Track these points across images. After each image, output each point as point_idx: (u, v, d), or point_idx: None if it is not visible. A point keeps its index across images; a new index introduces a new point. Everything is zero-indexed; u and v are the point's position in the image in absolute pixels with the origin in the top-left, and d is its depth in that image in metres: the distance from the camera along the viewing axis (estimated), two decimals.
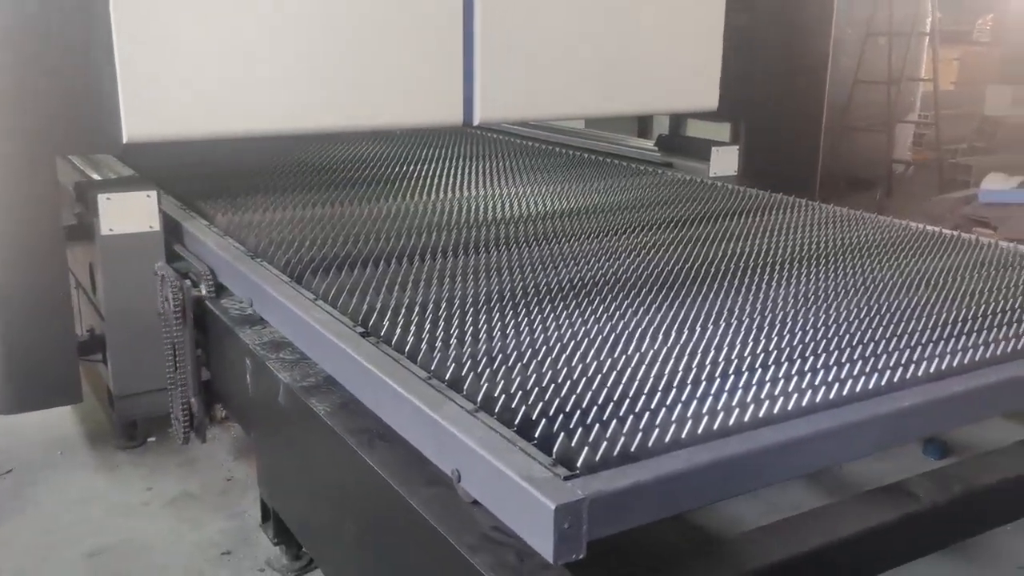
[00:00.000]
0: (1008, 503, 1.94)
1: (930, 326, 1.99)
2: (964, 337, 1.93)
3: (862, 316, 2.06)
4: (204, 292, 2.73)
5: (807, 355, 1.82)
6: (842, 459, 1.61)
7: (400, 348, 1.87)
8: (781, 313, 2.08)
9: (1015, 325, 2.01)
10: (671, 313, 2.06)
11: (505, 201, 3.33)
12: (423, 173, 3.89)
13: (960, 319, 2.04)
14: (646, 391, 1.64)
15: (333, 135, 4.49)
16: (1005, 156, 8.92)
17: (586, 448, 1.40)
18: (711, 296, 2.20)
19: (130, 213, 3.07)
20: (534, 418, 1.52)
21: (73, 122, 2.92)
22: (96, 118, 2.94)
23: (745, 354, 1.82)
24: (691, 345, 1.87)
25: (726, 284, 2.31)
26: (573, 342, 1.88)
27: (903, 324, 2.00)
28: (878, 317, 2.05)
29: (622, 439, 1.43)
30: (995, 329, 1.98)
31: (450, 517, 1.49)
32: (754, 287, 2.29)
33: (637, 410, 1.57)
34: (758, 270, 2.46)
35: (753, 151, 4.04)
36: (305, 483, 2.21)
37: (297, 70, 3.13)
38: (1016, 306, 2.15)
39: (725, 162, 4.01)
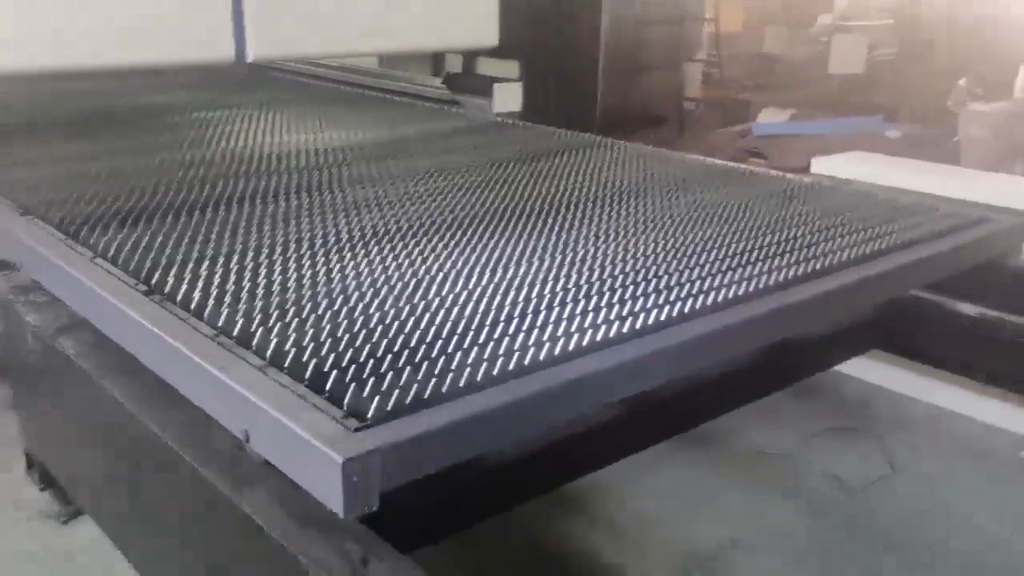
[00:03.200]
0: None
1: (719, 258, 2.04)
2: (749, 267, 1.99)
3: (656, 251, 2.08)
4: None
5: (602, 292, 1.82)
6: (634, 389, 1.62)
7: (186, 305, 1.74)
8: (580, 252, 2.07)
9: (795, 253, 2.09)
10: (468, 256, 2.01)
11: (299, 146, 3.18)
12: (210, 121, 3.66)
13: (746, 250, 2.10)
14: (443, 336, 1.59)
15: (110, 79, 4.20)
16: (783, 93, 9.40)
17: (377, 398, 1.34)
18: (508, 238, 2.17)
19: None
20: (326, 370, 1.45)
21: None
22: None
23: (543, 293, 1.81)
24: (489, 288, 1.83)
25: (519, 226, 2.29)
26: (371, 290, 1.80)
27: (693, 258, 2.04)
28: (672, 251, 2.08)
29: (415, 386, 1.38)
30: (775, 258, 2.05)
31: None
32: (547, 228, 2.27)
33: (433, 355, 1.52)
34: (552, 211, 2.44)
35: (535, 89, 4.05)
36: (60, 427, 2.09)
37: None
38: (792, 236, 2.22)
39: (508, 99, 3.99)
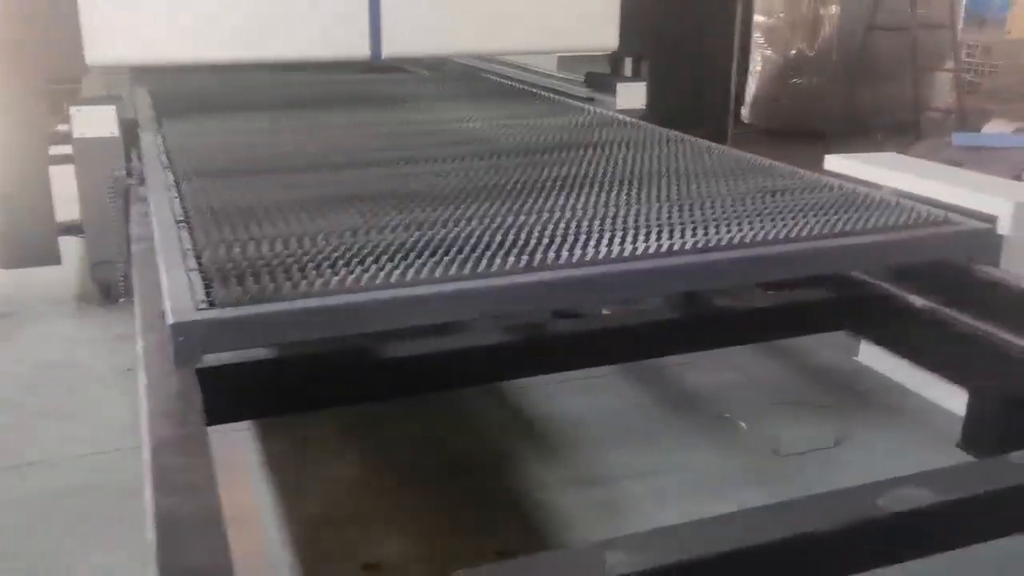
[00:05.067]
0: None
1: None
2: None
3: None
4: (134, 181, 3.26)
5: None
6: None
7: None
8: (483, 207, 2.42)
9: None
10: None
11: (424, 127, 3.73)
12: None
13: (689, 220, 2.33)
14: (309, 263, 2.03)
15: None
16: None
17: (230, 292, 1.82)
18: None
19: (95, 122, 3.63)
20: (227, 271, 1.95)
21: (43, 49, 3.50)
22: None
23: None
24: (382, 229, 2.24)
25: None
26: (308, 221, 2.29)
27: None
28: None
29: (269, 290, 1.85)
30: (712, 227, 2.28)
31: None
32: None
33: (299, 271, 1.96)
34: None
35: (661, 89, 4.27)
36: None
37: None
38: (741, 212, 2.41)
39: (632, 97, 4.25)
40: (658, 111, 4.31)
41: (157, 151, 3.28)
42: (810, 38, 8.25)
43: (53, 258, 3.80)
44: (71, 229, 3.83)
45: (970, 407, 2.51)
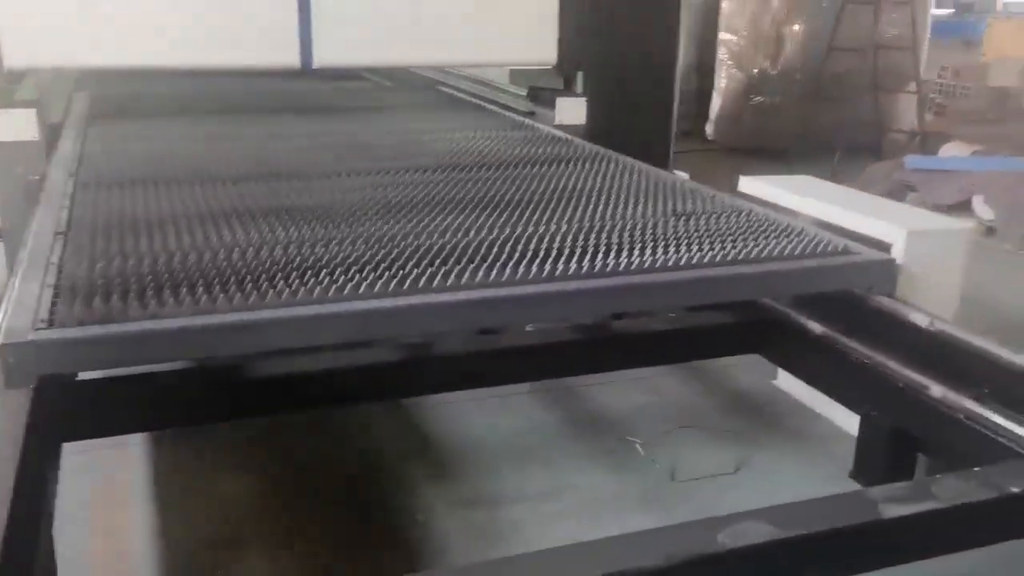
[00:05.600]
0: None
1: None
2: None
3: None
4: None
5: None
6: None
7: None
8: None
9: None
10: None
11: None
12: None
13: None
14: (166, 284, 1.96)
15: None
16: (1014, 126, 8.64)
17: (75, 314, 1.75)
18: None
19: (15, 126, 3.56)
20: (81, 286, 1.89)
21: None
22: None
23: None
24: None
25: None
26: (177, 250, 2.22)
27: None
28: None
29: (116, 310, 1.78)
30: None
31: None
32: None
33: (153, 291, 1.89)
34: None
35: (601, 105, 4.22)
36: None
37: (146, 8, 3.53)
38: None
39: (571, 113, 4.19)
40: (598, 127, 4.26)
41: (69, 158, 3.22)
42: (773, 56, 8.23)
43: None
44: None
45: (860, 436, 2.48)
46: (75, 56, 3.53)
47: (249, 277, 2.00)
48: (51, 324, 1.74)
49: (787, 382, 3.27)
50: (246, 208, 2.57)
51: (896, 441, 2.30)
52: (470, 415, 3.06)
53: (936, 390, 2.13)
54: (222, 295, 1.89)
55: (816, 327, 2.53)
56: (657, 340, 2.74)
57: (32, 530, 1.58)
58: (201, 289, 1.91)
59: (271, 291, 1.91)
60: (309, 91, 5.09)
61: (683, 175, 4.35)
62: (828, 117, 8.03)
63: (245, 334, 1.81)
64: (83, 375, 2.03)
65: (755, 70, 8.20)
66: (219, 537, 2.42)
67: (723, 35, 8.23)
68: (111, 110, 4.13)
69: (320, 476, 2.73)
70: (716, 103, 8.31)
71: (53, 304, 1.82)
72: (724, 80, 8.24)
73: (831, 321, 2.51)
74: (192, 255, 2.12)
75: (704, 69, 8.59)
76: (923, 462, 2.34)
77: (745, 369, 3.41)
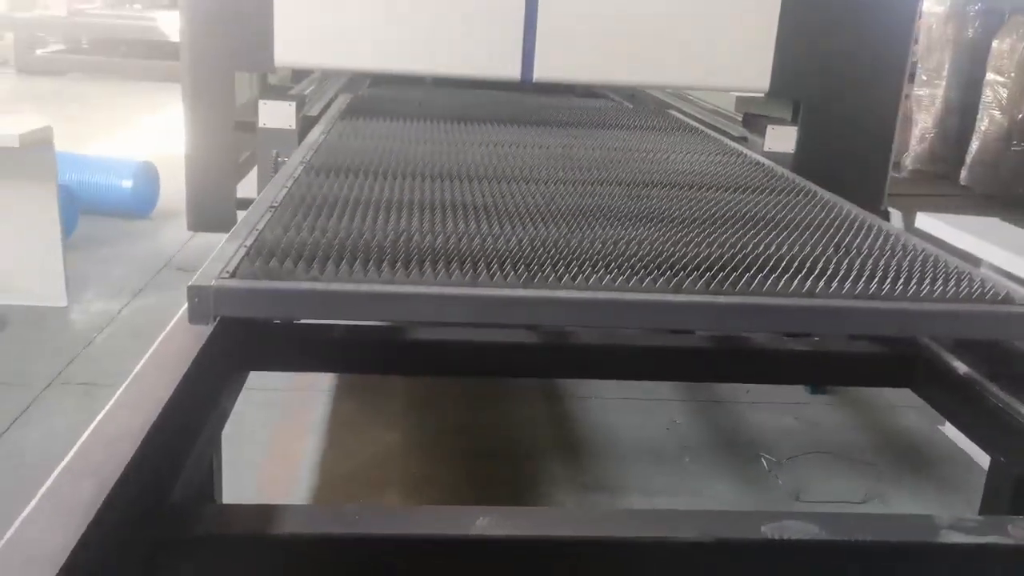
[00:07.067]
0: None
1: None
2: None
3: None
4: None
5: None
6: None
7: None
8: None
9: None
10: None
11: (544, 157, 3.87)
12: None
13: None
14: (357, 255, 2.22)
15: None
16: None
17: (254, 267, 2.05)
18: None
19: (277, 115, 4.08)
20: (266, 254, 2.19)
21: (242, 45, 3.97)
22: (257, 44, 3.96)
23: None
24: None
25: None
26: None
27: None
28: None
29: (286, 271, 2.06)
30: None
31: None
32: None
33: (320, 260, 2.15)
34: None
35: (813, 135, 4.12)
36: None
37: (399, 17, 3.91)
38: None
39: (780, 141, 4.13)
40: (808, 157, 4.17)
41: (309, 145, 3.64)
42: None
43: (230, 227, 4.29)
44: (245, 204, 4.31)
45: (988, 480, 2.35)
46: (328, 58, 3.98)
47: (417, 258, 2.22)
48: (233, 275, 2.05)
49: (953, 430, 3.06)
50: (439, 201, 2.81)
51: (1020, 487, 2.16)
52: (617, 411, 3.14)
53: None
54: (387, 268, 2.12)
55: (961, 367, 2.46)
56: (806, 360, 2.69)
57: (190, 439, 1.88)
58: (371, 264, 2.15)
59: (416, 271, 2.12)
60: (553, 106, 5.31)
61: (896, 213, 4.15)
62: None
63: (394, 304, 2.05)
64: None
65: (1020, 115, 7.51)
66: (366, 477, 2.69)
67: (990, 75, 7.61)
68: (363, 110, 4.58)
69: (464, 443, 2.93)
70: (974, 147, 7.70)
71: (241, 260, 2.13)
72: (985, 123, 7.62)
73: (979, 363, 2.42)
74: (375, 235, 2.38)
75: (965, 111, 7.99)
76: None
77: (911, 412, 3.23)
